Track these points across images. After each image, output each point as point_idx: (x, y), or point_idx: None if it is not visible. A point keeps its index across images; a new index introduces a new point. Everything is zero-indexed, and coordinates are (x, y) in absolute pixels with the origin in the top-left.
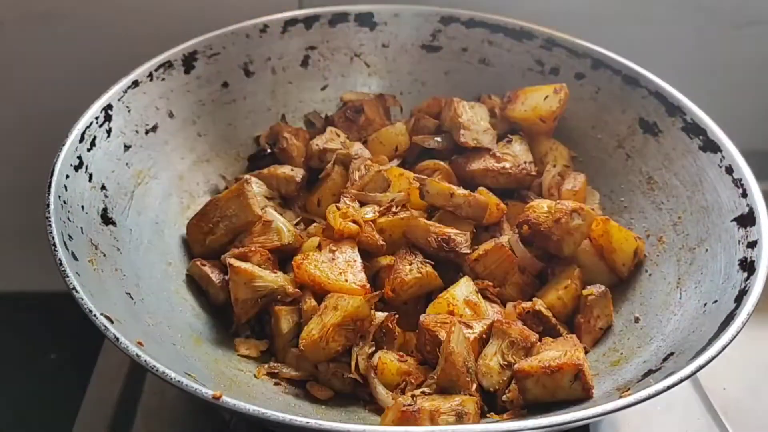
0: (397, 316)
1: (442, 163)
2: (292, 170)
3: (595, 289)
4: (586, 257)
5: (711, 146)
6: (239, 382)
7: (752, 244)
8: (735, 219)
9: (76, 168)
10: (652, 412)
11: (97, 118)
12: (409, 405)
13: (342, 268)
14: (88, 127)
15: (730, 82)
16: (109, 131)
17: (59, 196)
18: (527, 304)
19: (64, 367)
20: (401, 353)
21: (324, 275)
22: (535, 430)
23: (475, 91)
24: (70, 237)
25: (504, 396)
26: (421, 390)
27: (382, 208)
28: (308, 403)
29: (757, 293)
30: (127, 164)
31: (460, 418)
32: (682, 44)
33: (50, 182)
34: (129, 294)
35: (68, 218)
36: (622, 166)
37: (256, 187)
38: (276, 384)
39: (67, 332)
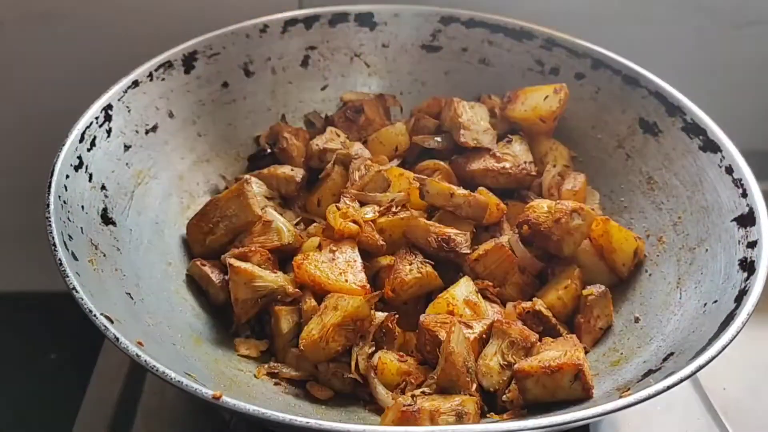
0: (397, 316)
1: (442, 163)
2: (292, 170)
3: (595, 289)
4: (586, 257)
5: (711, 146)
6: (239, 382)
7: (752, 244)
8: (735, 219)
9: (76, 168)
10: (652, 412)
11: (97, 118)
12: (409, 405)
13: (342, 269)
14: (88, 127)
15: (730, 82)
16: (109, 131)
17: (59, 196)
18: (527, 304)
19: (64, 367)
20: (401, 353)
21: (324, 275)
22: (535, 430)
23: (475, 91)
24: (70, 237)
25: (504, 396)
26: (421, 390)
27: (382, 208)
28: (308, 403)
29: (757, 293)
30: (127, 164)
31: (460, 418)
32: (682, 44)
33: (50, 182)
34: (129, 294)
35: (68, 218)
36: (622, 166)
37: (256, 187)
38: (276, 384)
39: (67, 332)
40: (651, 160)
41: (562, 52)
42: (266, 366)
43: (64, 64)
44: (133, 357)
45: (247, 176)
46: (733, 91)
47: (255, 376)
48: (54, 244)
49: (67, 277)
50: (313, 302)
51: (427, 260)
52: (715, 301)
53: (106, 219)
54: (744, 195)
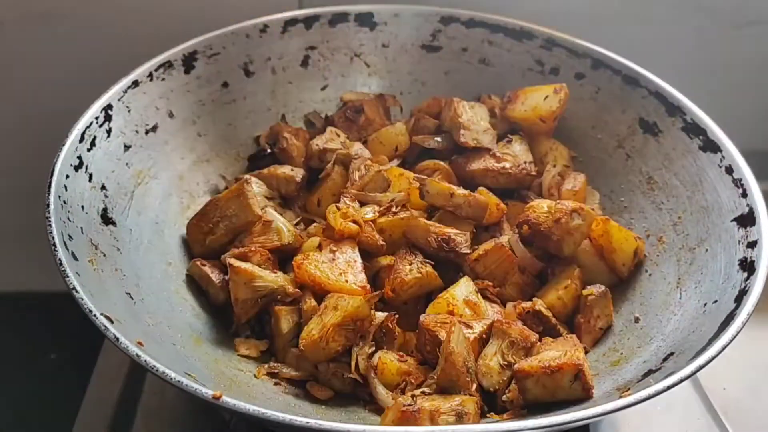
0: (397, 316)
1: (442, 163)
2: (292, 170)
3: (595, 289)
4: (586, 257)
5: (711, 146)
6: (239, 382)
7: (752, 244)
8: (735, 219)
9: (76, 168)
10: (652, 412)
11: (97, 118)
12: (409, 405)
13: (342, 269)
14: (88, 127)
15: (730, 82)
16: (109, 131)
17: (59, 196)
18: (527, 304)
19: (64, 367)
20: (401, 353)
21: (324, 276)
22: (535, 430)
23: (475, 91)
24: (70, 237)
25: (504, 396)
26: (421, 390)
27: (382, 208)
28: (308, 403)
29: (757, 293)
30: (127, 164)
31: (460, 418)
32: (682, 44)
33: (50, 182)
34: (129, 294)
35: (68, 218)
36: (622, 166)
37: (256, 187)
38: (276, 384)
39: (67, 332)
40: (651, 160)
41: (562, 52)
42: (266, 366)
43: (64, 64)
44: (133, 357)
45: (247, 176)
46: (733, 91)
47: (255, 376)
48: (54, 244)
49: (67, 277)
50: (313, 302)
51: (427, 260)
52: (715, 301)
53: (106, 219)
54: (744, 195)
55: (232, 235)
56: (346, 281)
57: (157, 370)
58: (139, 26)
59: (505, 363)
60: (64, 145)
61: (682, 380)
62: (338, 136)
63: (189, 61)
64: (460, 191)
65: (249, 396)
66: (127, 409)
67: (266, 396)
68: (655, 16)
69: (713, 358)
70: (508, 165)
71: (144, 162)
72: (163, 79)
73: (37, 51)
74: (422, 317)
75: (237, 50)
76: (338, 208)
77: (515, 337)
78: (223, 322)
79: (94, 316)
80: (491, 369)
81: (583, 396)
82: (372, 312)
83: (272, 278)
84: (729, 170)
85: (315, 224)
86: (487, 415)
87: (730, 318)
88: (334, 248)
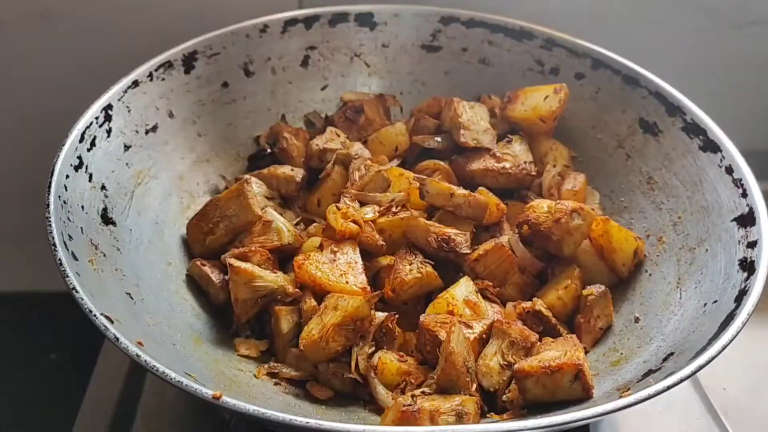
0: (397, 316)
1: (442, 163)
2: (292, 170)
3: (595, 289)
4: (586, 257)
5: (711, 146)
6: (239, 382)
7: (752, 244)
8: (735, 219)
9: (76, 168)
10: (652, 412)
11: (97, 118)
12: (409, 405)
13: (343, 270)
14: (88, 127)
15: (730, 82)
16: (109, 131)
17: (59, 196)
18: (527, 304)
19: (64, 367)
20: (401, 353)
21: (325, 276)
22: (535, 430)
23: (475, 91)
24: (70, 237)
25: (504, 396)
26: (421, 390)
27: (382, 208)
28: (308, 403)
29: (757, 293)
30: (127, 164)
31: (460, 418)
32: (682, 44)
33: (50, 182)
34: (129, 294)
35: (68, 218)
36: (622, 166)
37: (256, 187)
38: (276, 384)
39: (67, 332)
40: (651, 160)
41: (562, 52)
42: (266, 366)
43: (64, 64)
44: (133, 357)
45: (247, 176)
46: (733, 91)
47: (255, 376)
48: (54, 244)
49: (67, 277)
50: (313, 302)
51: (427, 260)
52: (715, 301)
53: (106, 219)
54: (744, 195)
55: (232, 235)
56: (347, 282)
57: (157, 370)
58: (139, 26)
59: (505, 363)
60: (64, 145)
61: (682, 380)
62: (338, 136)
63: (189, 61)
64: (460, 191)
65: (249, 396)
66: (127, 409)
67: (266, 396)
68: (655, 16)
69: (713, 358)
70: (508, 165)
71: (144, 162)
72: (163, 79)
73: (37, 51)
74: (422, 317)
75: (237, 50)
76: (338, 209)
77: (515, 337)
78: (223, 322)
79: (94, 316)
80: (491, 369)
81: (583, 396)
82: (372, 312)
83: (272, 278)
84: (729, 170)
85: (315, 224)
86: (487, 415)
87: (730, 318)
88: (335, 249)
